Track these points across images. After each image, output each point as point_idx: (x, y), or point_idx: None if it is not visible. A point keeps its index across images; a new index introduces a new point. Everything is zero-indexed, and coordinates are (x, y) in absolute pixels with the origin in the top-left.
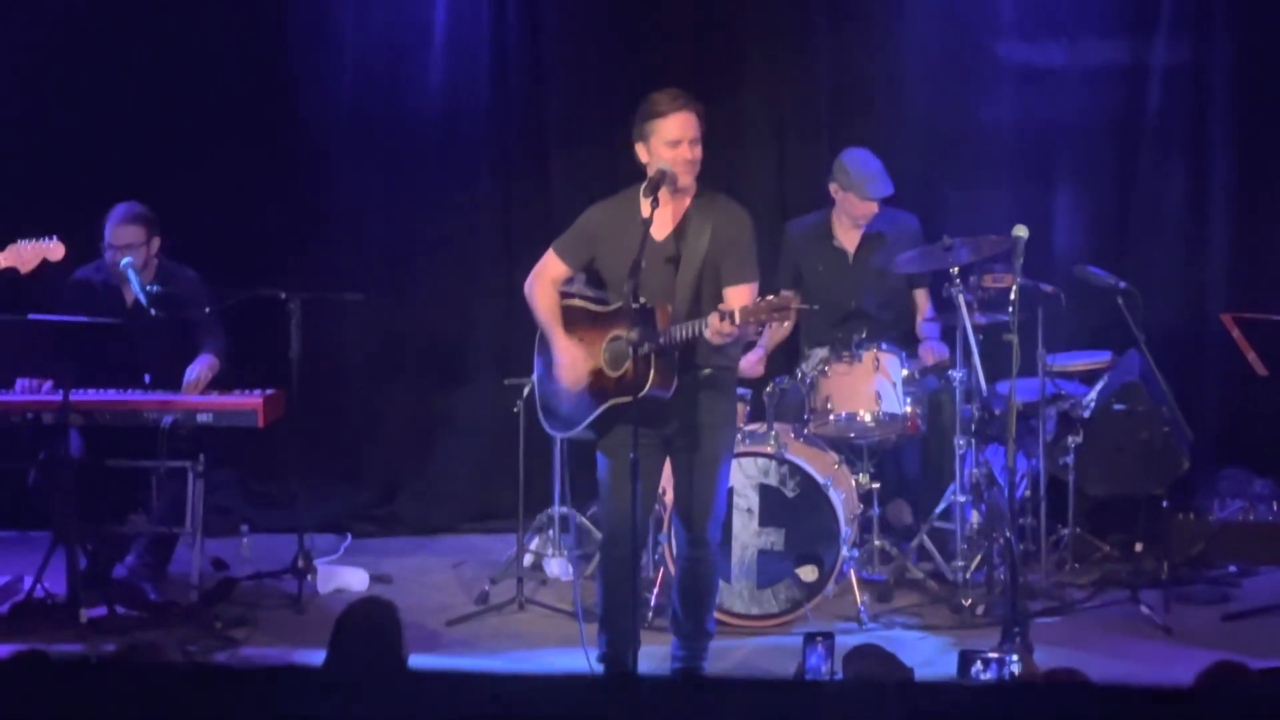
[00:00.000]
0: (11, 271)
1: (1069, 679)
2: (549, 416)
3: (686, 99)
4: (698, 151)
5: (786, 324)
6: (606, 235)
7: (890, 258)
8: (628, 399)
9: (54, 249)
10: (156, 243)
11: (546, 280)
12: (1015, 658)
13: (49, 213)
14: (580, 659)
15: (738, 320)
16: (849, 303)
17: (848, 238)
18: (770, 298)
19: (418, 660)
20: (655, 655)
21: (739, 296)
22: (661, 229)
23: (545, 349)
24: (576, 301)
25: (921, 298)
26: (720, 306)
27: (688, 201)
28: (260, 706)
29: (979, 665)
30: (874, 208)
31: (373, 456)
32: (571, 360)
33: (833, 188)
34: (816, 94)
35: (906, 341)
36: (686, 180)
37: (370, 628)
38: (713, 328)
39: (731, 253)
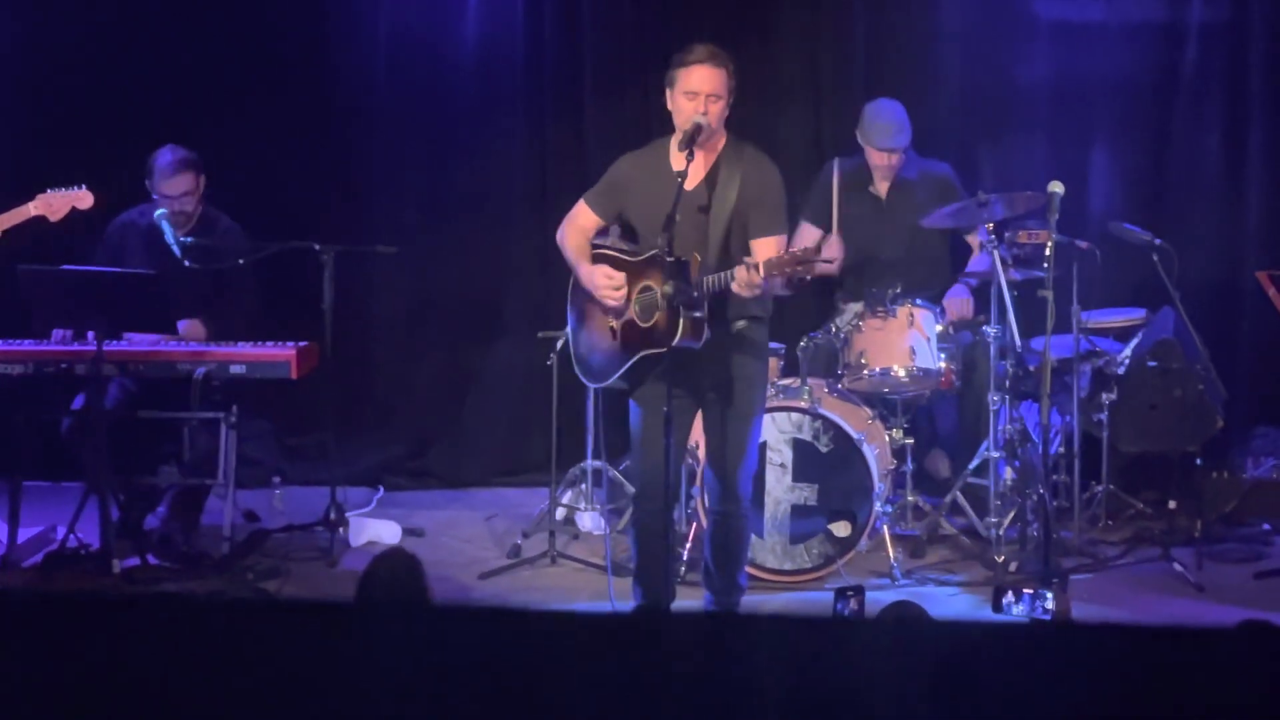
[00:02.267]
0: (41, 220)
1: None
2: (583, 368)
3: (713, 55)
4: (715, 108)
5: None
6: (636, 186)
7: (922, 206)
8: (659, 350)
9: (83, 197)
10: (203, 181)
11: (576, 227)
12: (1049, 593)
13: (85, 161)
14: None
15: (762, 273)
16: (880, 251)
17: (881, 186)
18: (795, 250)
19: None
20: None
21: (765, 249)
22: (692, 180)
23: (578, 301)
24: (609, 251)
25: (973, 241)
26: (746, 259)
27: (716, 152)
28: (289, 641)
29: (1010, 597)
30: (887, 158)
31: (405, 409)
32: (604, 276)
33: (858, 136)
34: (853, 47)
35: (940, 297)
36: (709, 132)
37: (396, 580)
38: (740, 279)
39: (759, 204)
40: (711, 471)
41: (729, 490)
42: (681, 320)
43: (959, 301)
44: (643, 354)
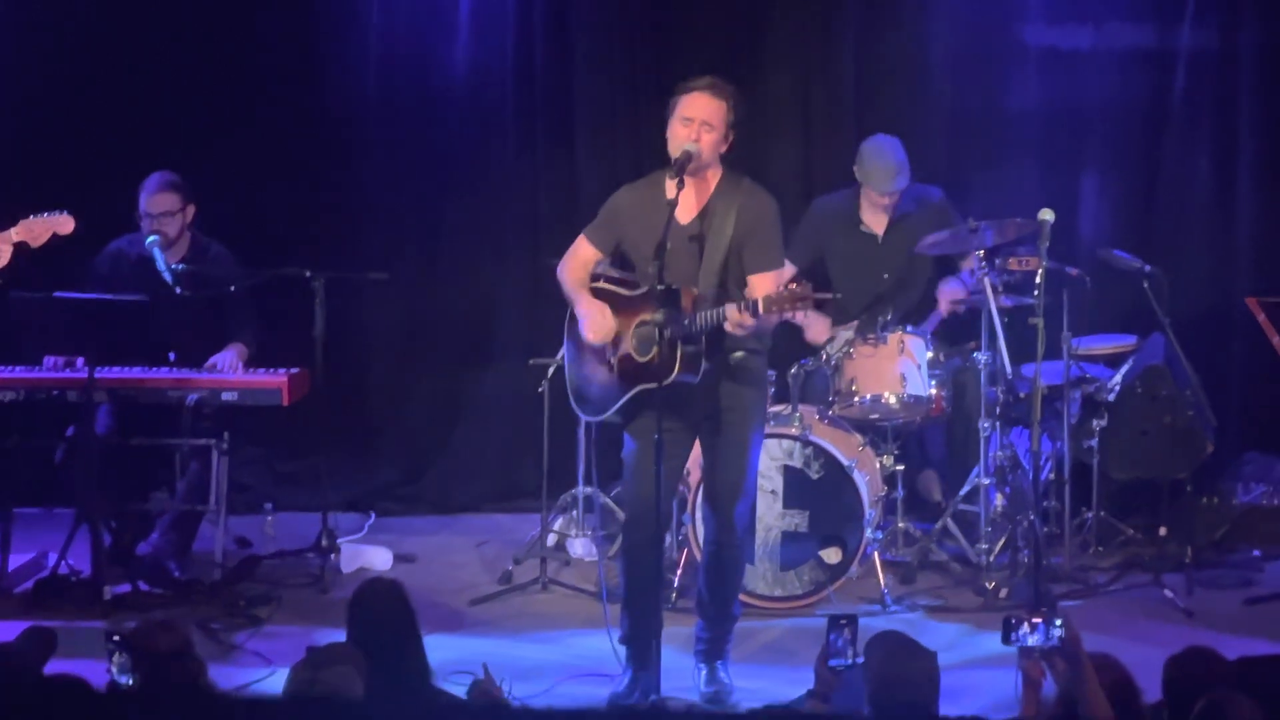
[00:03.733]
0: (23, 246)
1: (1108, 664)
2: (580, 401)
3: (713, 84)
4: (708, 137)
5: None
6: (633, 217)
7: (919, 235)
8: (655, 385)
9: (64, 223)
10: (191, 210)
11: (577, 262)
12: (1059, 622)
13: (73, 188)
14: (604, 640)
15: (760, 310)
16: (877, 285)
17: (875, 220)
18: (793, 287)
19: (441, 639)
20: (679, 636)
21: (763, 284)
22: (687, 212)
23: (576, 333)
24: (603, 284)
25: (968, 264)
26: (741, 299)
27: (712, 185)
28: None
29: (1025, 629)
30: (885, 200)
31: (397, 436)
32: (599, 314)
33: (856, 171)
34: (843, 76)
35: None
36: (700, 161)
37: (383, 608)
38: (731, 319)
39: (755, 238)
40: (707, 502)
41: (724, 521)
42: (679, 355)
43: (952, 288)
44: (640, 388)
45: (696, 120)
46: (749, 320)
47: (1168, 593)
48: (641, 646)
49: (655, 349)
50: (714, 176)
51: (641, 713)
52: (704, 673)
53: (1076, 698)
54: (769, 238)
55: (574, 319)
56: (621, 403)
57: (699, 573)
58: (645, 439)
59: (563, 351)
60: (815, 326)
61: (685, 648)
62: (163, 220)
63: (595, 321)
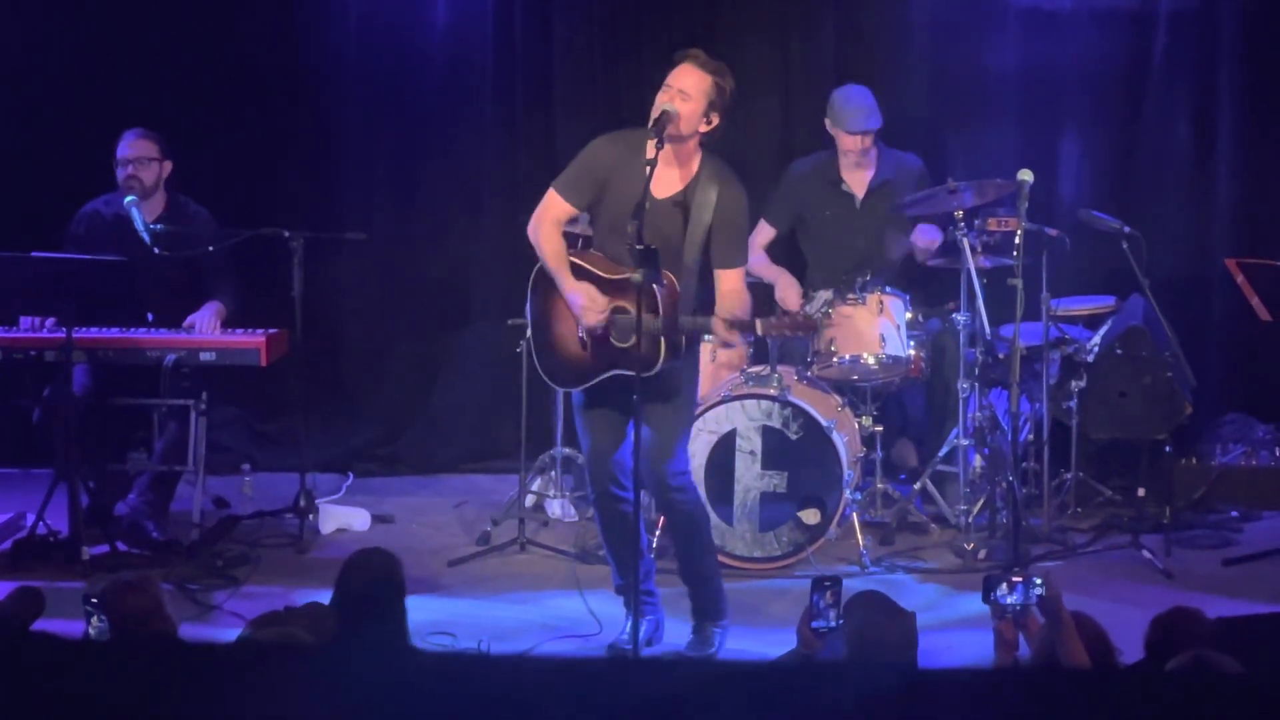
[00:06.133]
0: None
1: (1083, 622)
2: (545, 367)
3: (696, 56)
4: (685, 107)
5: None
6: (613, 174)
7: (897, 201)
8: (634, 375)
9: None
10: (169, 166)
11: (549, 222)
12: (1039, 580)
13: (56, 146)
14: (580, 602)
15: (759, 331)
16: (855, 248)
17: (854, 180)
18: (797, 314)
19: (419, 600)
20: (665, 598)
21: (729, 280)
22: (665, 187)
23: (539, 301)
24: (582, 263)
25: (919, 242)
26: (725, 315)
27: (694, 166)
28: (258, 686)
29: (1004, 589)
30: (859, 142)
31: (375, 396)
32: (589, 298)
33: (827, 123)
34: (823, 39)
35: (908, 284)
36: (678, 126)
37: (374, 577)
38: (719, 336)
39: (729, 229)
40: (646, 462)
41: (663, 475)
42: (663, 346)
43: (927, 234)
44: (616, 373)
45: (674, 87)
46: (736, 339)
47: (1146, 554)
48: (634, 593)
49: (634, 337)
50: (695, 157)
51: (613, 663)
52: (690, 640)
53: (1057, 655)
54: (740, 232)
55: (539, 282)
56: (594, 382)
57: (670, 534)
58: (595, 397)
59: None
60: (786, 292)
61: (668, 605)
62: (139, 166)
63: (589, 305)
